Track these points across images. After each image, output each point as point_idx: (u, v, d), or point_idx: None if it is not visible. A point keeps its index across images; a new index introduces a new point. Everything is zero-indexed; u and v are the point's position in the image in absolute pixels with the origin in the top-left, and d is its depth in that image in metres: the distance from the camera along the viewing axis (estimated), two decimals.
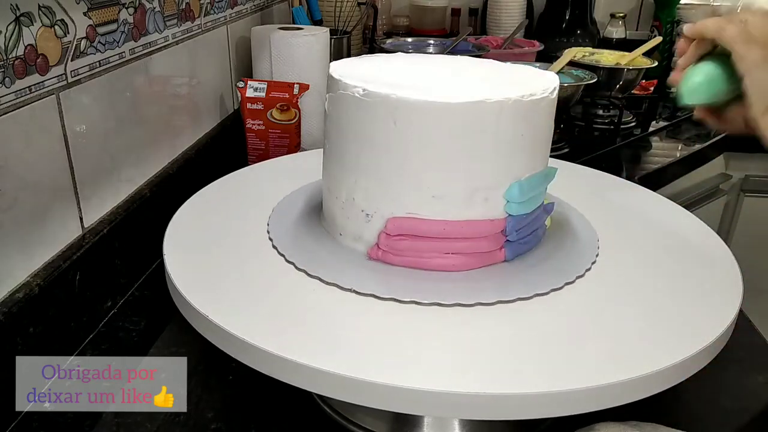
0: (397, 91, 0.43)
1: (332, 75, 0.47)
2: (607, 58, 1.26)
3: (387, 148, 0.45)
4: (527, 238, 0.49)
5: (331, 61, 0.50)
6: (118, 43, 0.64)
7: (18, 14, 0.49)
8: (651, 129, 1.24)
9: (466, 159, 0.44)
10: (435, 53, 1.35)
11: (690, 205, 1.22)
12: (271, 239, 0.50)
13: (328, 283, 0.44)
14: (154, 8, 0.73)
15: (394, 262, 0.47)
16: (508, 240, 0.47)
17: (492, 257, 0.47)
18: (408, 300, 0.43)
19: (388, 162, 0.45)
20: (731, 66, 0.48)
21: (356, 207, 0.47)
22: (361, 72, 0.47)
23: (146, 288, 0.67)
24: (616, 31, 1.66)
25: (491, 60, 0.55)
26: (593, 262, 0.48)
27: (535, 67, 0.57)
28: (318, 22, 1.25)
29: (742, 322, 0.50)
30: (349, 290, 0.44)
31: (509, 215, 0.46)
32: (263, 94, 0.88)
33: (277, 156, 0.84)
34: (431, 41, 1.43)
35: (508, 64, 0.54)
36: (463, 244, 0.46)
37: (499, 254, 0.48)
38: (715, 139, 1.19)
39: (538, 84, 0.46)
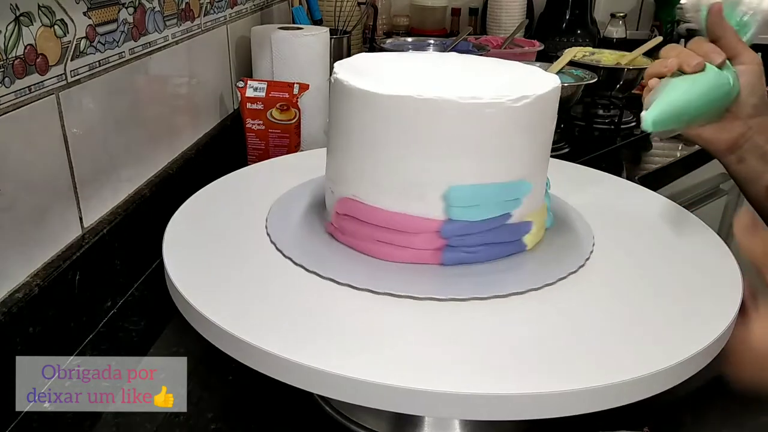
0: (354, 82, 0.45)
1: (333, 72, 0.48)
2: (608, 58, 1.25)
3: (347, 133, 0.47)
4: (476, 248, 0.46)
5: (331, 61, 0.50)
6: (117, 42, 0.64)
7: (18, 14, 0.49)
8: None
9: (403, 152, 0.45)
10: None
11: (690, 205, 1.22)
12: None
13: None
14: (154, 8, 0.73)
15: (340, 240, 0.49)
16: (448, 244, 0.46)
17: (426, 256, 0.46)
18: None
19: (343, 145, 0.48)
20: (700, 86, 0.51)
21: (327, 184, 0.50)
22: (358, 64, 0.49)
23: (146, 288, 0.67)
24: (617, 31, 1.66)
25: (492, 58, 0.55)
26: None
27: (535, 66, 0.56)
28: (318, 22, 1.25)
29: None
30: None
31: (449, 218, 0.45)
32: (263, 94, 0.88)
33: (277, 156, 0.84)
34: (431, 41, 1.43)
35: (503, 62, 0.54)
36: (397, 236, 0.46)
37: (435, 255, 0.46)
38: None
39: (497, 90, 0.44)
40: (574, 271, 0.47)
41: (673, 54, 0.56)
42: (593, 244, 0.51)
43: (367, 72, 0.47)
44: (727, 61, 0.57)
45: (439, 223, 0.45)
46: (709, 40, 0.57)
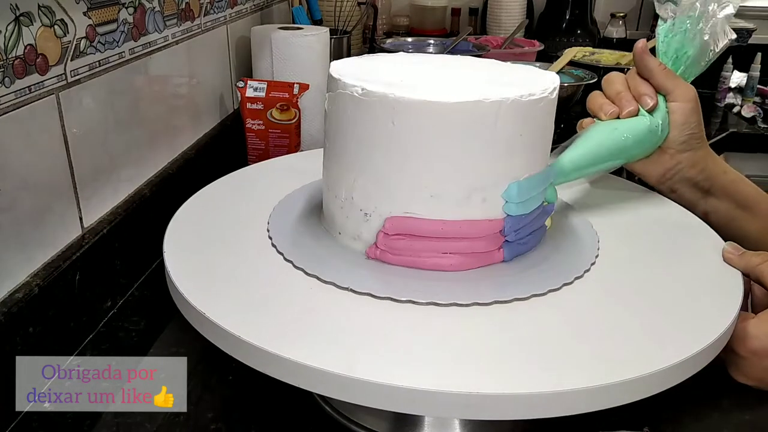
0: (395, 91, 0.43)
1: (332, 74, 0.47)
2: (607, 57, 1.26)
3: (385, 147, 0.45)
4: (526, 238, 0.49)
5: (331, 61, 0.50)
6: (117, 42, 0.64)
7: (18, 14, 0.49)
8: None
9: (464, 158, 0.44)
10: (435, 53, 1.36)
11: None
12: (270, 237, 0.50)
13: (325, 282, 0.44)
14: (154, 8, 0.73)
15: (392, 262, 0.47)
16: (506, 240, 0.47)
17: (490, 257, 0.47)
18: (405, 299, 0.43)
19: (386, 161, 0.45)
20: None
21: (355, 206, 0.47)
22: (360, 71, 0.47)
23: (146, 288, 0.67)
24: (616, 31, 1.66)
25: (492, 60, 0.55)
26: (592, 263, 0.48)
27: (536, 66, 0.56)
28: (318, 22, 1.25)
29: None
30: (347, 289, 0.44)
31: (507, 215, 0.46)
32: (263, 94, 0.88)
33: (277, 156, 0.84)
34: (431, 41, 1.43)
35: (509, 63, 0.54)
36: (461, 244, 0.46)
37: (497, 255, 0.47)
38: (714, 139, 1.19)
39: (538, 84, 0.46)
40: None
41: (612, 92, 0.57)
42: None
43: (390, 80, 0.45)
44: (661, 100, 0.57)
45: (499, 222, 0.46)
46: (641, 77, 0.58)
